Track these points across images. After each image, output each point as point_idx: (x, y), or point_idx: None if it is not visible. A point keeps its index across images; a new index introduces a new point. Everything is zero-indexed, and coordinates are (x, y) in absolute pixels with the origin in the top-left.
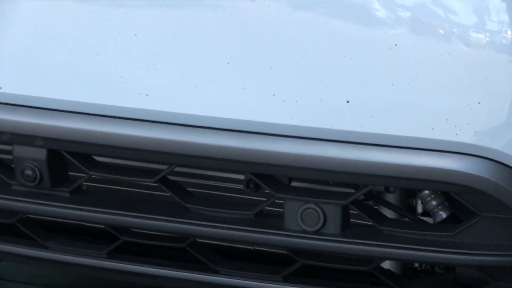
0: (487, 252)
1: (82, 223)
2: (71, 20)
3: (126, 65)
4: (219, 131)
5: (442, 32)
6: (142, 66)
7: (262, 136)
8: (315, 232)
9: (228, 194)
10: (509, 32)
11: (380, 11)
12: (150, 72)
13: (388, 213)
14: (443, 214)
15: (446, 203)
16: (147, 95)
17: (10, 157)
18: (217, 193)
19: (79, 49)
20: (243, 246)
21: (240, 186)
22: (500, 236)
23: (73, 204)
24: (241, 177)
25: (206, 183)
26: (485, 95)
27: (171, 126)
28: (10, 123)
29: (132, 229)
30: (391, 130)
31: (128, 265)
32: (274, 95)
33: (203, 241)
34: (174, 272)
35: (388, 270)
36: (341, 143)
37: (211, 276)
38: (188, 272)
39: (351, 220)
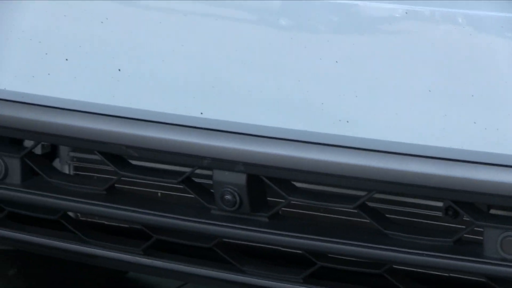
0: None
1: (277, 247)
2: (271, 46)
3: (327, 91)
4: (420, 158)
5: None
6: (343, 93)
7: (463, 163)
8: None
9: (425, 221)
10: None
11: None
12: (351, 99)
13: None
14: None
15: None
16: (347, 121)
17: (209, 181)
18: (416, 220)
19: (280, 76)
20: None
21: (438, 213)
22: None
23: (272, 229)
24: (439, 204)
25: (404, 210)
26: None
27: (372, 152)
28: (211, 149)
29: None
30: None
31: None
32: (475, 122)
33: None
34: None
35: None
36: None
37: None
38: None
39: None
